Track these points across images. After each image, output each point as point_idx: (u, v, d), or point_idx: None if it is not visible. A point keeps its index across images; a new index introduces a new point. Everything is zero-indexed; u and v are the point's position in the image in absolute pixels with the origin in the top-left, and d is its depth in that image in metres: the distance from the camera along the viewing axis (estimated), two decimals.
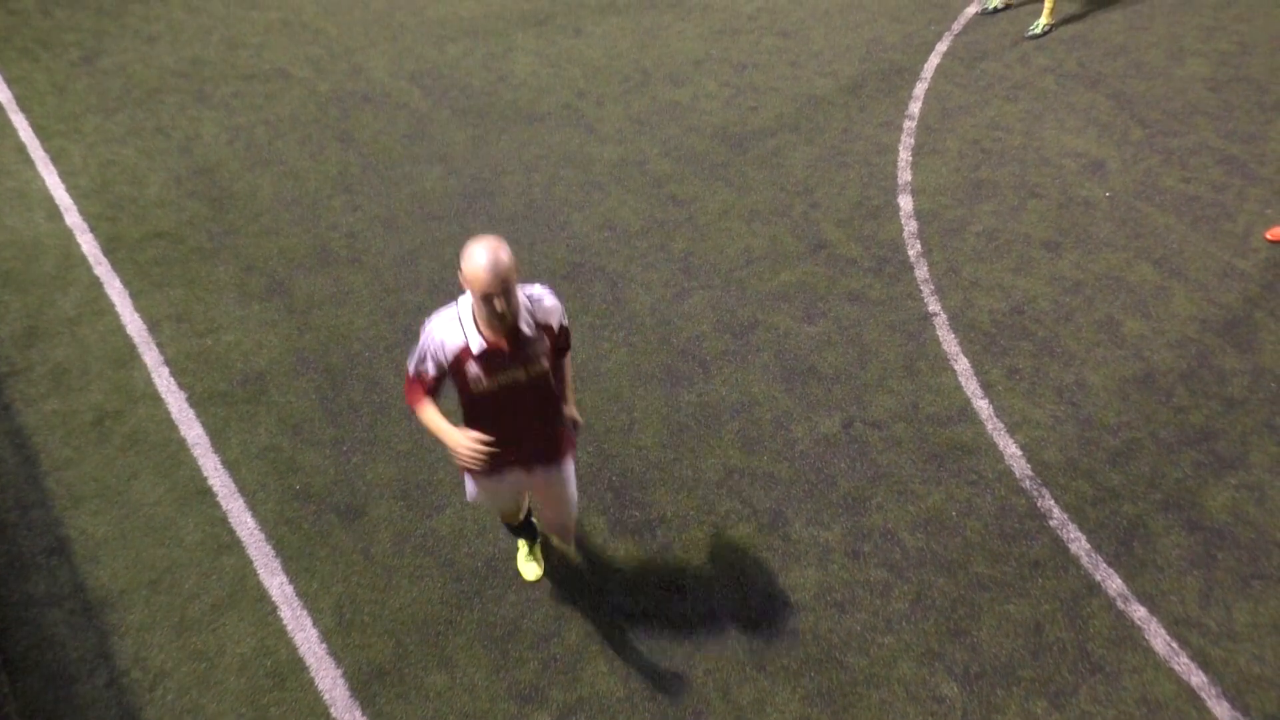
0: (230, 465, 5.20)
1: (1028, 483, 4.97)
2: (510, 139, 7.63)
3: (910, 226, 6.64)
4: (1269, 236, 6.35)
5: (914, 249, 6.45)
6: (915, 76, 8.14)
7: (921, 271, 6.28)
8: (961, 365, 5.62)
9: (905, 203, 6.84)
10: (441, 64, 8.61)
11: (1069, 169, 7.11)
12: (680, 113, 7.83)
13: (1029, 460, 5.08)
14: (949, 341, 5.77)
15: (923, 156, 7.27)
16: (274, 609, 4.54)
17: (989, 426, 5.26)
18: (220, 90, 8.35)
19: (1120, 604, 4.44)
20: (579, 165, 7.32)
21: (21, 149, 7.63)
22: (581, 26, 9.05)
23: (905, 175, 7.09)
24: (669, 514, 4.90)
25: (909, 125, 7.60)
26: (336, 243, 6.68)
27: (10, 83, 8.51)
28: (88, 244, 6.72)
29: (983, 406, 5.37)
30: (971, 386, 5.49)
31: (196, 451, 5.27)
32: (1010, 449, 5.14)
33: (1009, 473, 5.02)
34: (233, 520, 4.93)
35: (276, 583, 4.65)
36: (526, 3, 9.46)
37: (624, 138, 7.58)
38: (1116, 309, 5.95)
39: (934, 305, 6.02)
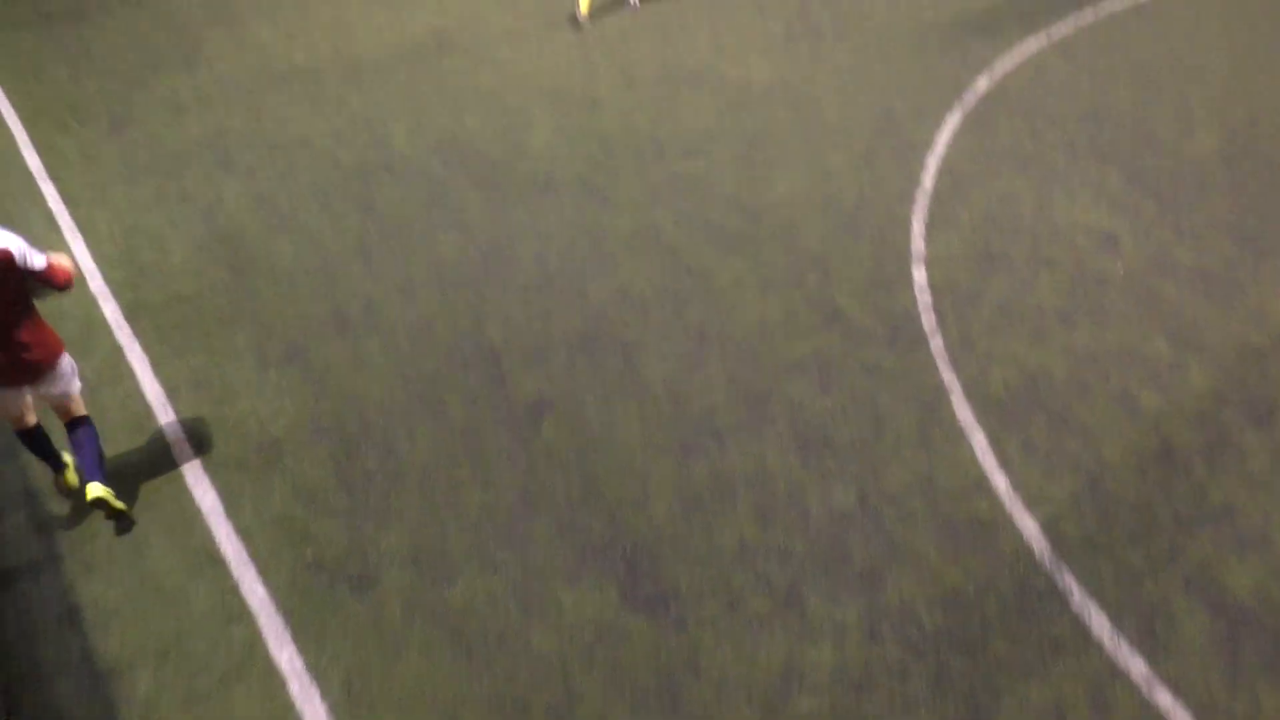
0: (243, 533, 5.19)
1: (1047, 560, 4.91)
2: (526, 208, 7.73)
3: (924, 298, 6.67)
4: None
5: (928, 320, 6.47)
6: (927, 149, 8.25)
7: (936, 343, 6.29)
8: (977, 438, 5.59)
9: (919, 274, 6.88)
10: (460, 134, 8.78)
11: (1082, 242, 7.15)
12: (694, 184, 7.94)
13: (1048, 536, 5.02)
14: (964, 413, 5.75)
15: (936, 228, 7.33)
16: (283, 682, 4.49)
17: (1006, 501, 5.22)
18: (244, 158, 8.53)
19: (1145, 689, 4.35)
20: (593, 235, 7.40)
21: (50, 217, 7.78)
22: (598, 99, 9.23)
23: (919, 246, 7.14)
24: (683, 588, 4.85)
25: (922, 197, 7.68)
26: (354, 309, 6.74)
27: (41, 151, 8.72)
28: (110, 310, 6.81)
29: (1000, 480, 5.33)
30: (988, 459, 5.46)
31: (210, 519, 5.26)
32: (1028, 525, 5.09)
33: (1028, 549, 4.97)
34: (244, 589, 4.91)
35: (286, 655, 4.60)
36: (544, 77, 9.66)
37: (638, 208, 7.68)
38: (1133, 383, 5.94)
39: (949, 376, 6.02)
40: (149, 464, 5.61)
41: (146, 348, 6.47)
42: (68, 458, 5.47)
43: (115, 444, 5.73)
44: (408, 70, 9.91)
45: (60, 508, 5.37)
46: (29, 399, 5.09)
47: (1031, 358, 6.14)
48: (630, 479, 5.44)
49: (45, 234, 7.57)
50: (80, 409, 5.23)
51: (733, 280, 6.89)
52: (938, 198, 7.66)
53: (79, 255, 7.34)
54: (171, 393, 6.10)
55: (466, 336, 6.49)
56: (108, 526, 5.23)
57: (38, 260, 4.70)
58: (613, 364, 6.22)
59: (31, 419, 5.18)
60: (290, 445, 5.72)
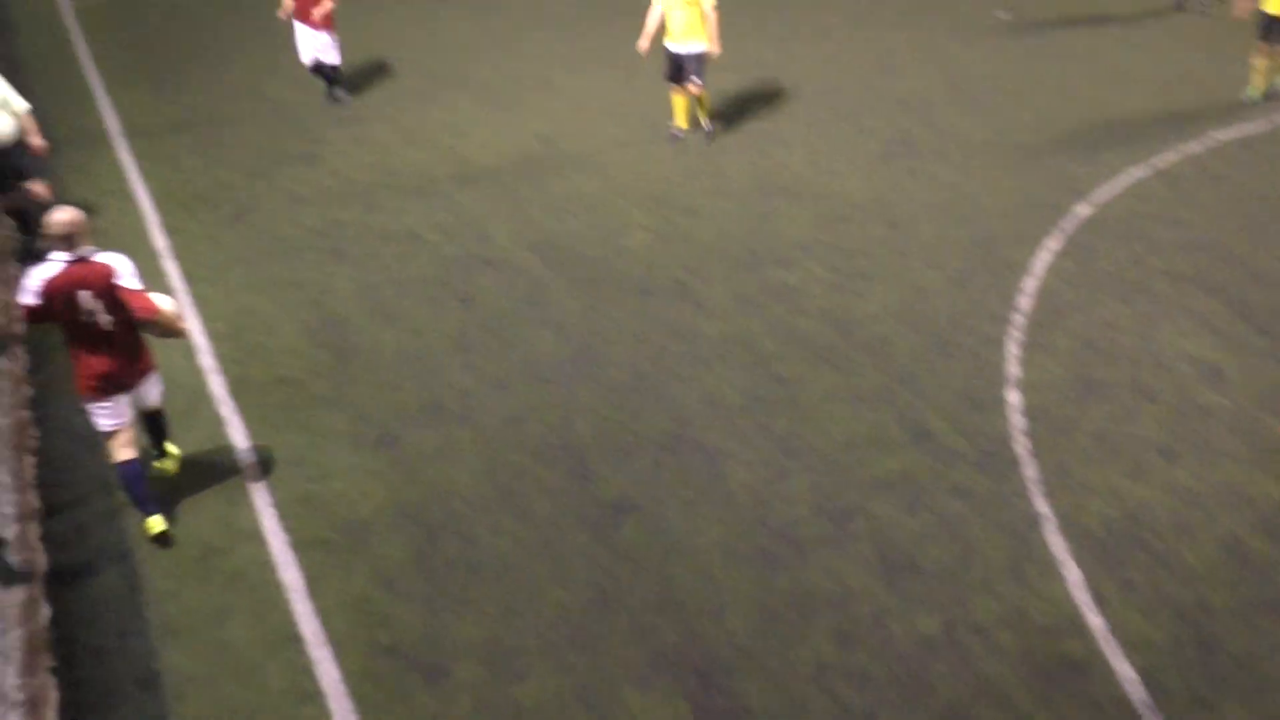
0: (322, 613, 5.26)
1: (1146, 712, 4.63)
2: (621, 309, 7.88)
3: (1018, 422, 6.53)
4: None
5: (1022, 446, 6.32)
6: (1025, 272, 8.18)
7: (1030, 470, 6.12)
8: (1072, 573, 5.38)
9: (1014, 398, 6.75)
10: (561, 235, 9.05)
11: (1186, 374, 6.94)
12: (787, 294, 8.00)
13: (1147, 686, 4.75)
14: (1059, 547, 5.55)
15: (1032, 352, 7.21)
16: None
17: (1102, 643, 4.97)
18: (355, 249, 8.92)
19: None
20: (686, 339, 7.48)
21: (171, 293, 8.22)
22: (695, 207, 9.44)
23: (1014, 370, 7.03)
24: (755, 706, 4.71)
25: (1018, 320, 7.58)
26: (449, 400, 6.90)
27: (169, 232, 9.27)
28: (217, 384, 7.10)
29: (1095, 621, 5.10)
30: (1083, 597, 5.23)
31: (292, 596, 5.35)
32: (1126, 671, 4.83)
33: (1125, 699, 4.70)
34: (318, 670, 4.95)
35: None
36: (644, 184, 9.94)
37: (731, 315, 7.75)
38: (1241, 526, 5.66)
39: (1043, 506, 5.84)
40: (240, 536, 5.76)
41: (248, 423, 6.71)
42: (171, 448, 6.31)
43: (211, 514, 5.91)
44: (514, 172, 10.32)
45: (150, 567, 5.53)
46: (130, 415, 5.75)
47: (1131, 492, 5.93)
48: (708, 587, 5.36)
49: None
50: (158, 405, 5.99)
51: (821, 392, 6.86)
52: (1034, 321, 7.55)
53: (194, 330, 7.71)
54: (267, 468, 6.29)
55: (554, 432, 6.57)
56: (193, 593, 5.36)
57: (133, 283, 5.42)
58: (697, 468, 6.21)
59: (131, 450, 5.75)
60: (376, 528, 5.82)
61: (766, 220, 9.17)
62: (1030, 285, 8.02)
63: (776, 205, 9.43)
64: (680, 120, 10.81)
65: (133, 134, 11.89)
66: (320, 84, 12.29)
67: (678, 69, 10.36)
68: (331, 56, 11.88)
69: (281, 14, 11.85)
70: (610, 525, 5.80)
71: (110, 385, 5.53)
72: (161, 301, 5.59)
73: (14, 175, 8.68)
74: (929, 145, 10.51)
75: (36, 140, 8.76)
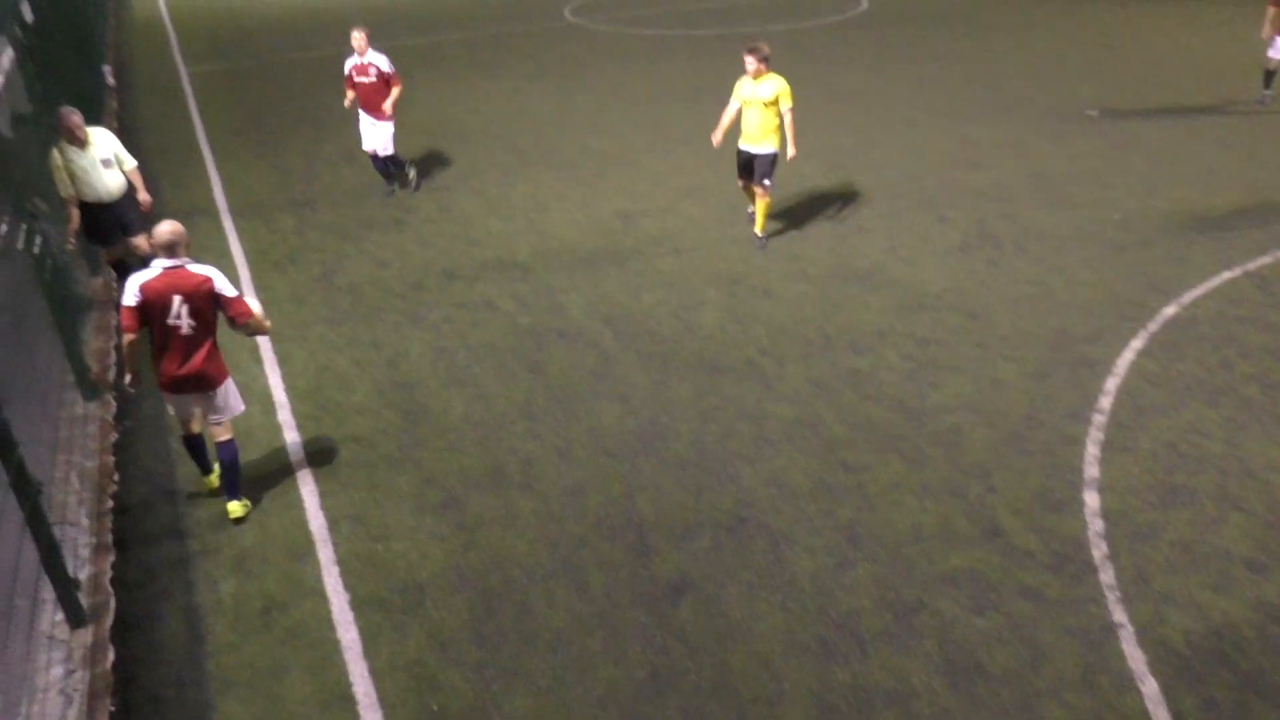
0: (376, 674, 5.26)
1: None
2: (690, 387, 7.88)
3: (1095, 525, 6.30)
4: None
5: (1099, 550, 6.09)
6: (1107, 371, 7.97)
7: (1107, 575, 5.88)
8: (1149, 688, 5.11)
9: (1091, 499, 6.53)
10: (635, 310, 9.14)
11: (1276, 484, 6.64)
12: (859, 381, 7.92)
13: None
14: (1135, 658, 5.29)
15: (1112, 453, 6.99)
16: None
17: None
18: (433, 314, 9.13)
19: None
20: (754, 420, 7.44)
21: (254, 348, 8.50)
22: (771, 289, 9.46)
23: (1092, 470, 6.81)
24: None
25: (1098, 419, 7.37)
26: (512, 467, 6.95)
27: (259, 289, 9.62)
28: (292, 439, 7.27)
29: None
30: (1160, 714, 4.96)
31: (348, 656, 5.37)
32: None
33: None
34: None
35: None
36: (721, 263, 10.01)
37: (801, 399, 7.69)
38: None
39: (1119, 615, 5.59)
40: (303, 591, 5.83)
41: (318, 479, 6.83)
42: (235, 506, 6.54)
43: (276, 568, 6.00)
44: (592, 246, 10.50)
45: (213, 618, 5.61)
46: (196, 410, 6.36)
47: (1215, 605, 5.64)
48: (765, 674, 5.23)
49: (247, 363, 8.26)
50: (226, 434, 6.41)
51: (890, 482, 6.73)
52: (1115, 422, 7.34)
53: (274, 386, 7.95)
54: (333, 525, 6.38)
55: (616, 505, 6.54)
56: (253, 647, 5.41)
57: (229, 290, 6.01)
58: (759, 552, 6.11)
59: (196, 427, 6.52)
60: (433, 591, 5.83)
61: (842, 305, 9.14)
62: (1112, 384, 7.81)
63: (852, 291, 9.40)
64: (760, 225, 10.46)
65: (233, 194, 12.48)
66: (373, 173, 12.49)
67: (748, 170, 10.18)
68: (389, 148, 11.73)
69: (347, 103, 11.79)
70: (667, 604, 5.72)
71: (180, 385, 6.14)
72: (253, 305, 6.23)
73: (120, 228, 9.16)
74: (1010, 238, 10.41)
75: (143, 195, 9.25)
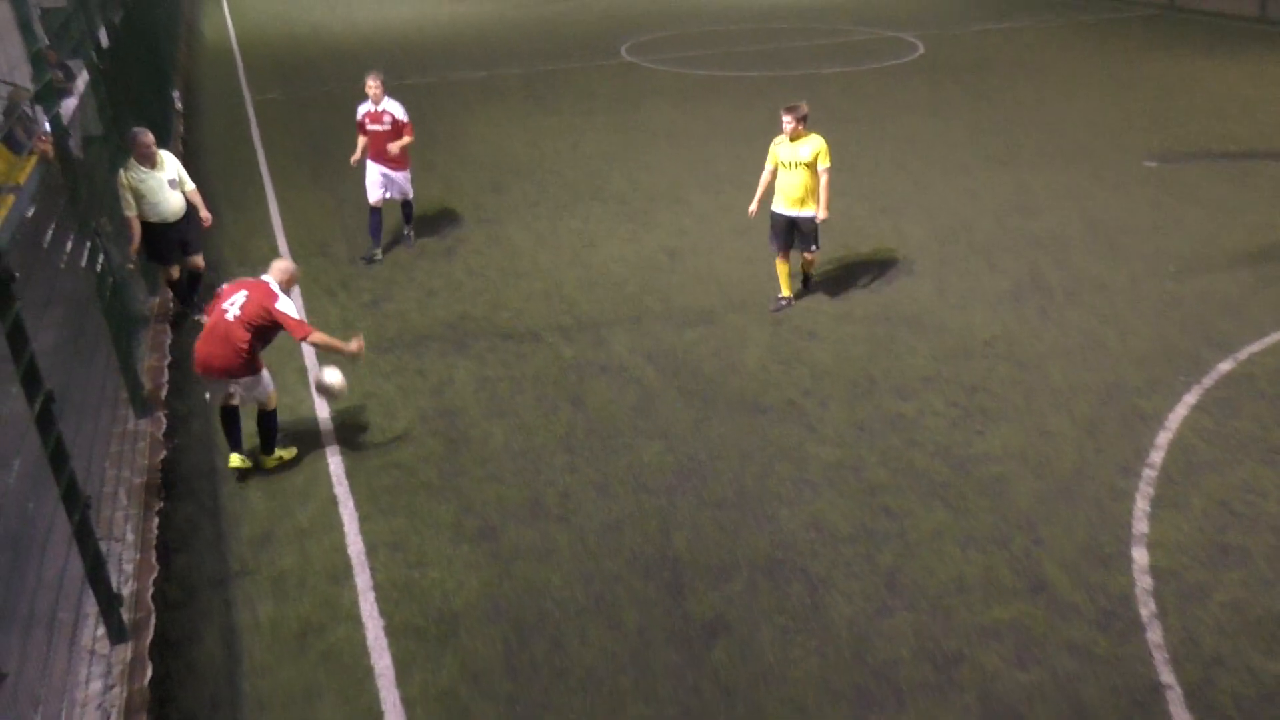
0: (408, 703, 5.26)
1: None
2: (731, 426, 7.85)
3: (1144, 582, 6.13)
4: None
5: (1147, 608, 5.92)
6: (1159, 425, 7.80)
7: (1155, 634, 5.71)
8: None
9: (1140, 555, 6.37)
10: (678, 347, 9.14)
11: None
12: (903, 425, 7.83)
13: None
14: None
15: (1163, 509, 6.81)
16: None
17: None
18: (478, 344, 9.22)
19: None
20: (795, 461, 7.38)
21: (302, 372, 8.64)
22: (816, 330, 9.42)
23: (1141, 526, 6.64)
24: None
25: (1149, 474, 7.20)
26: (550, 499, 6.95)
27: (310, 313, 9.78)
28: (335, 464, 7.35)
29: None
30: None
31: (380, 682, 5.38)
32: None
33: None
34: None
35: None
36: (767, 302, 9.98)
37: (843, 441, 7.62)
38: None
39: (1167, 676, 5.42)
40: (339, 616, 5.86)
41: (358, 504, 6.90)
42: (280, 451, 7.41)
43: (314, 591, 6.04)
44: (638, 282, 10.55)
45: (250, 639, 5.65)
46: (233, 387, 7.13)
47: (1268, 670, 5.45)
48: None
49: (295, 387, 8.39)
50: (268, 408, 7.23)
51: (933, 529, 6.62)
52: (1167, 477, 7.16)
53: (318, 408, 8.05)
54: (371, 550, 6.42)
55: (652, 543, 6.51)
56: (288, 669, 5.45)
57: (291, 310, 6.97)
58: (796, 595, 6.04)
59: (235, 401, 7.21)
60: (467, 621, 5.83)
61: (888, 349, 9.06)
62: (1164, 439, 7.63)
63: (899, 335, 9.32)
64: (785, 288, 9.96)
65: (289, 218, 12.75)
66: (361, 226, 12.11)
67: (787, 235, 9.64)
68: (409, 193, 11.38)
69: (355, 158, 11.34)
70: (701, 644, 5.66)
71: (208, 370, 6.97)
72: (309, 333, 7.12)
73: (181, 247, 9.46)
74: (1062, 287, 10.27)
75: (205, 213, 9.56)
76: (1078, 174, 13.76)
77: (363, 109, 11.06)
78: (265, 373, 7.14)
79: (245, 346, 6.87)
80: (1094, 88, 18.57)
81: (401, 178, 11.19)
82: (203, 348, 6.95)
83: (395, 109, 10.90)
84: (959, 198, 12.95)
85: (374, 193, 11.15)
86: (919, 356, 8.92)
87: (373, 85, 10.87)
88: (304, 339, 7.00)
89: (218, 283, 10.60)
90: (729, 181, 13.71)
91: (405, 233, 11.72)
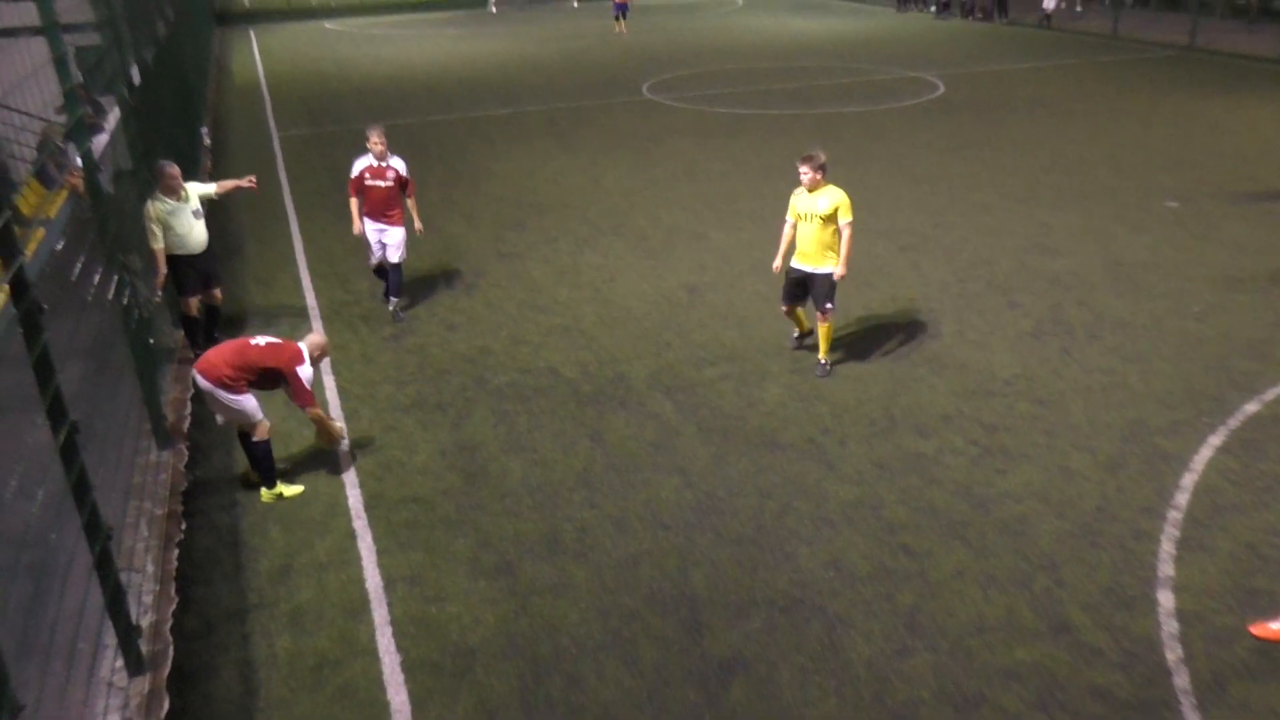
0: None
1: None
2: (750, 462, 7.82)
3: (1170, 626, 6.03)
4: (1254, 631, 5.88)
5: (1173, 652, 5.82)
6: (1183, 466, 7.71)
7: (1181, 679, 5.61)
8: None
9: (1165, 598, 6.27)
10: (697, 382, 9.14)
11: None
12: (923, 464, 7.78)
13: None
14: None
15: (1188, 551, 6.72)
16: None
17: None
18: (497, 379, 9.25)
19: None
20: (813, 499, 7.33)
21: (323, 405, 8.67)
22: (836, 368, 9.39)
23: (1166, 569, 6.55)
24: None
25: (1174, 515, 7.11)
26: (568, 534, 6.93)
27: (332, 347, 9.84)
28: (354, 498, 7.37)
29: None
30: None
31: (396, 718, 5.35)
32: None
33: None
34: None
35: None
36: (786, 339, 9.98)
37: (863, 479, 7.58)
38: None
39: None
40: (356, 650, 5.84)
41: (376, 538, 6.90)
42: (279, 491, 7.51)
43: (331, 625, 6.04)
44: (658, 318, 10.58)
45: (267, 673, 5.65)
46: (214, 406, 7.38)
47: None
48: None
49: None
50: (252, 436, 7.36)
51: (953, 569, 6.55)
52: (1192, 519, 7.07)
53: (341, 447, 8.08)
54: (389, 585, 6.41)
55: (669, 579, 6.48)
56: (304, 704, 5.43)
57: (307, 379, 7.20)
58: (814, 634, 5.98)
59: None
60: (483, 657, 5.80)
61: (908, 387, 9.03)
62: (1189, 480, 7.54)
63: (919, 373, 9.29)
64: (800, 326, 9.69)
65: (312, 253, 12.90)
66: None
67: (800, 290, 9.17)
68: (400, 254, 10.46)
69: (357, 230, 10.44)
70: (718, 683, 5.61)
71: (205, 366, 7.13)
72: (319, 416, 7.46)
73: (204, 279, 9.64)
74: (1083, 326, 10.22)
75: (245, 181, 10.00)
76: (1099, 213, 13.74)
77: (361, 164, 10.27)
78: (248, 399, 7.21)
79: (247, 369, 7.13)
80: (1115, 128, 18.59)
81: (396, 234, 10.35)
82: (214, 350, 7.33)
83: (399, 165, 10.29)
84: (979, 236, 12.95)
85: (373, 255, 10.56)
86: (939, 394, 8.88)
87: (376, 140, 10.11)
88: (303, 407, 7.32)
89: (238, 313, 10.81)
90: (749, 218, 13.77)
91: (391, 308, 10.69)
